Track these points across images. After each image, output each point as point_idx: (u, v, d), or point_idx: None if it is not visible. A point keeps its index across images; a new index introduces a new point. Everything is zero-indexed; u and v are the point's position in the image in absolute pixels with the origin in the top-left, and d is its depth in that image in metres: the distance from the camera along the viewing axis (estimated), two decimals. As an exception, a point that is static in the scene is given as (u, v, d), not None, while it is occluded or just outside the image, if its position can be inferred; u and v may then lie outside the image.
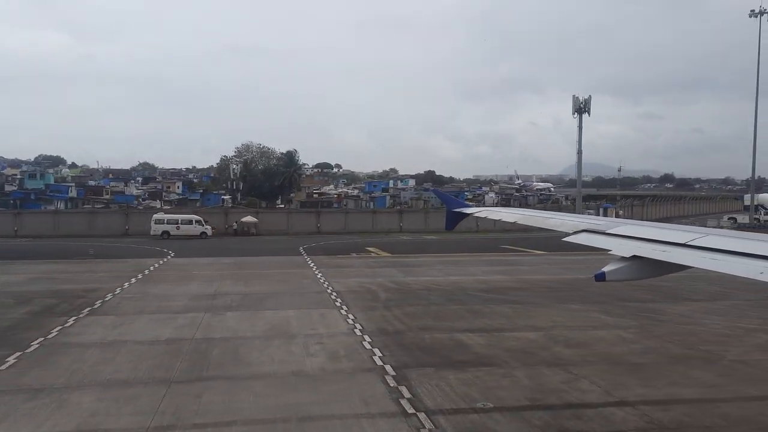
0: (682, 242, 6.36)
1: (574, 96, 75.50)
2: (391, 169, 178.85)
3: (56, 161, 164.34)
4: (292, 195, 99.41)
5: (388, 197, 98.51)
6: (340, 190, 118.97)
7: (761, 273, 5.07)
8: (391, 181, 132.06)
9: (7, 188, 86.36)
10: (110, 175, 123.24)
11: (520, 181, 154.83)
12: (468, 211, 14.24)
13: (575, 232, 8.27)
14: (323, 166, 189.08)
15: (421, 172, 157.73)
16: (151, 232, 61.85)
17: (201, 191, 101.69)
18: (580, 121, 75.76)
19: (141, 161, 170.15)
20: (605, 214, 77.91)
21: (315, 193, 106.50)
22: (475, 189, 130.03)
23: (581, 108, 75.46)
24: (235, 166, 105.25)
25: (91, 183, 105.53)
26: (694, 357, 16.66)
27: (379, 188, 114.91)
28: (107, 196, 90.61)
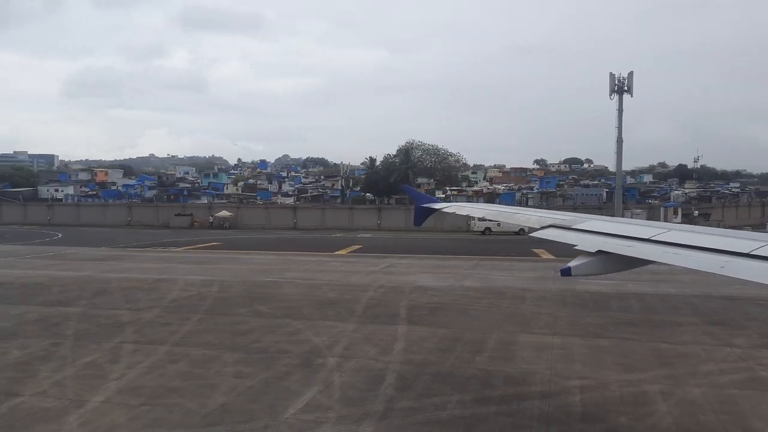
0: (646, 237, 6.38)
1: (611, 73, 64.14)
2: (660, 164, 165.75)
3: (319, 162, 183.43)
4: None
5: (518, 195, 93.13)
6: (482, 187, 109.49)
7: (722, 267, 5.09)
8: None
9: (182, 185, 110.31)
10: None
11: None
12: (436, 206, 13.71)
13: (542, 228, 8.17)
14: (571, 161, 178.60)
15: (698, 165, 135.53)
16: (474, 229, 62.63)
17: (357, 188, 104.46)
18: (619, 103, 64.87)
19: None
20: (665, 216, 68.67)
21: (454, 189, 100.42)
22: (719, 185, 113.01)
23: (620, 87, 64.43)
24: (345, 163, 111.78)
25: (250, 182, 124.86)
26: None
27: (553, 184, 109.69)
28: (251, 193, 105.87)
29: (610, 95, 65.11)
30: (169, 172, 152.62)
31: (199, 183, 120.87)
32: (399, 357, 12.74)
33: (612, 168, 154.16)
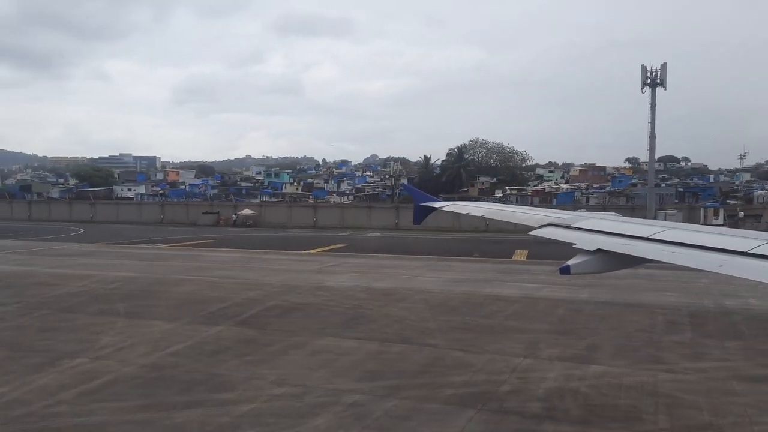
0: (645, 236, 6.46)
1: (642, 66, 61.34)
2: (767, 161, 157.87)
3: (399, 161, 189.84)
4: (464, 189, 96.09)
5: (577, 194, 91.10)
6: (544, 185, 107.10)
7: (720, 266, 5.19)
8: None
9: (244, 184, 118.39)
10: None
11: None
12: (436, 204, 13.53)
13: (541, 226, 8.24)
14: (666, 160, 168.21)
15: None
16: None
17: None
18: (652, 97, 61.56)
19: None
20: (704, 217, 64.73)
21: (514, 189, 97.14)
22: None
23: (653, 80, 61.10)
24: (394, 163, 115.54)
25: (309, 181, 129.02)
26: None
27: (625, 183, 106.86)
28: (308, 192, 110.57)
29: (642, 89, 61.73)
30: (236, 171, 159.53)
31: (261, 182, 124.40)
32: (155, 359, 12.36)
33: (711, 166, 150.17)
